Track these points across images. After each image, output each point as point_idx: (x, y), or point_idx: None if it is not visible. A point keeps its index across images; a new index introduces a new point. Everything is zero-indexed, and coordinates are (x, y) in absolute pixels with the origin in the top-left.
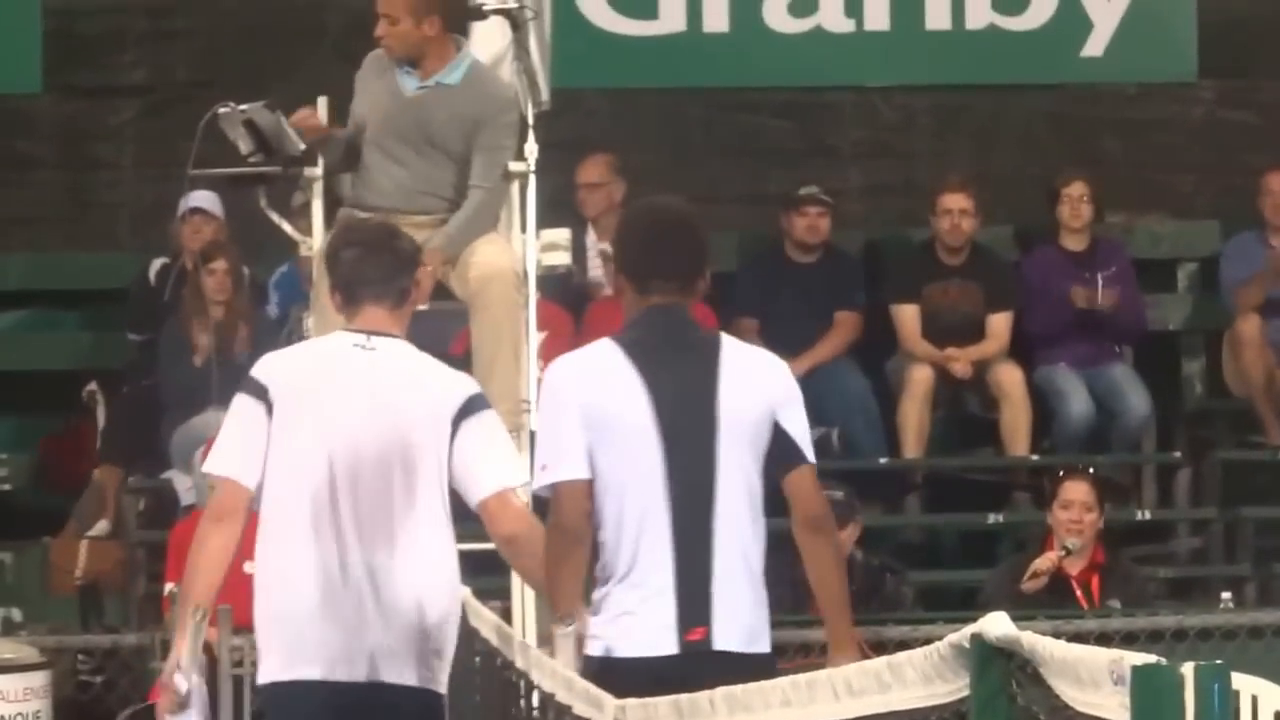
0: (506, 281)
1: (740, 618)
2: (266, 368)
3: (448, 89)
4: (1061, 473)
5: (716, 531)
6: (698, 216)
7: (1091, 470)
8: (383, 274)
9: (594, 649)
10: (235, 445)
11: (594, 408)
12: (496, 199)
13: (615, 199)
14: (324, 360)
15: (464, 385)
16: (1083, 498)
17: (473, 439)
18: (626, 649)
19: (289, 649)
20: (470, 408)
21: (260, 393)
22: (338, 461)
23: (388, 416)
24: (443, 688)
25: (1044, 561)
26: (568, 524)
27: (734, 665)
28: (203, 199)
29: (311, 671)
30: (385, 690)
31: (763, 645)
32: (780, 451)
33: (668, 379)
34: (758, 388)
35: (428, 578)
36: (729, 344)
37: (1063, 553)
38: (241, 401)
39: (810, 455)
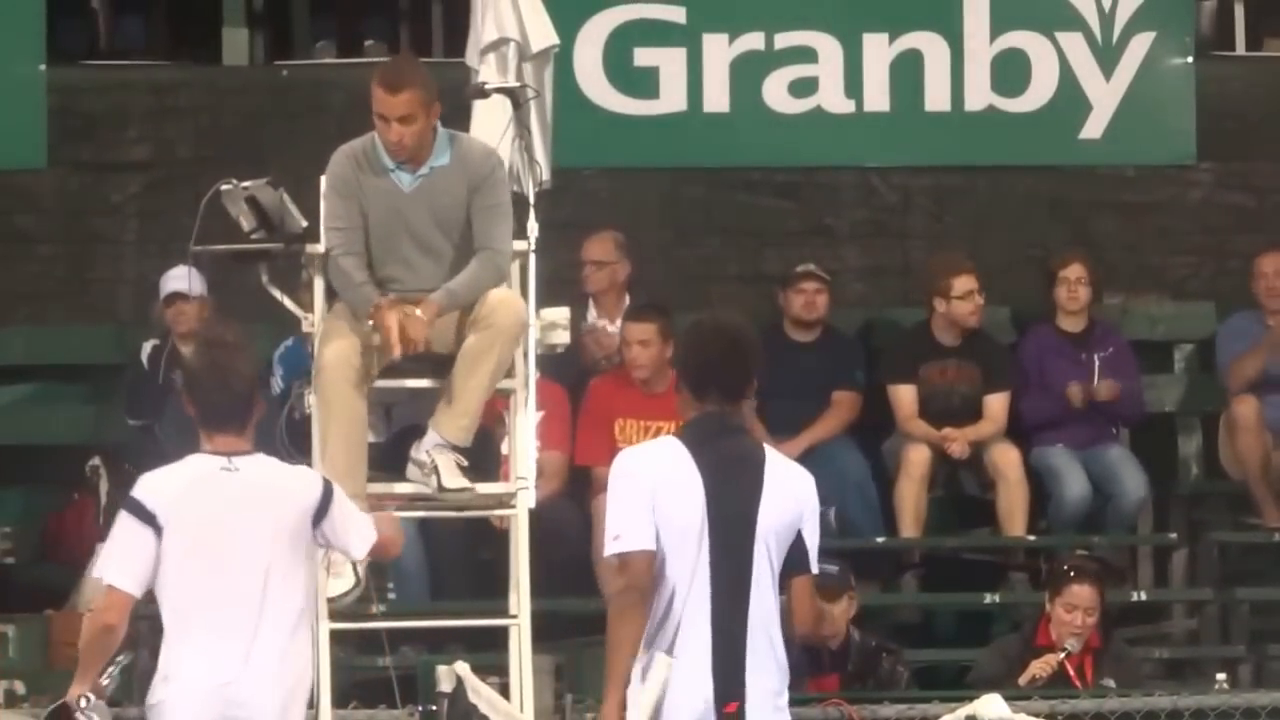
0: (517, 316)
1: (767, 693)
2: (149, 491)
3: (441, 170)
4: (1069, 570)
5: (750, 619)
6: (752, 332)
7: (1095, 569)
8: (230, 406)
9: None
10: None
11: (660, 494)
12: (501, 260)
13: (620, 278)
14: (198, 484)
15: (314, 482)
16: (1087, 603)
17: (335, 521)
18: (671, 715)
19: None
20: (325, 500)
21: (149, 518)
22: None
23: (254, 530)
24: None
25: (1044, 667)
26: (638, 584)
27: None
28: (184, 281)
29: None
30: None
31: (784, 714)
32: (794, 558)
33: (720, 481)
34: (792, 499)
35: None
36: (771, 456)
37: (1062, 654)
38: (128, 522)
39: (815, 566)
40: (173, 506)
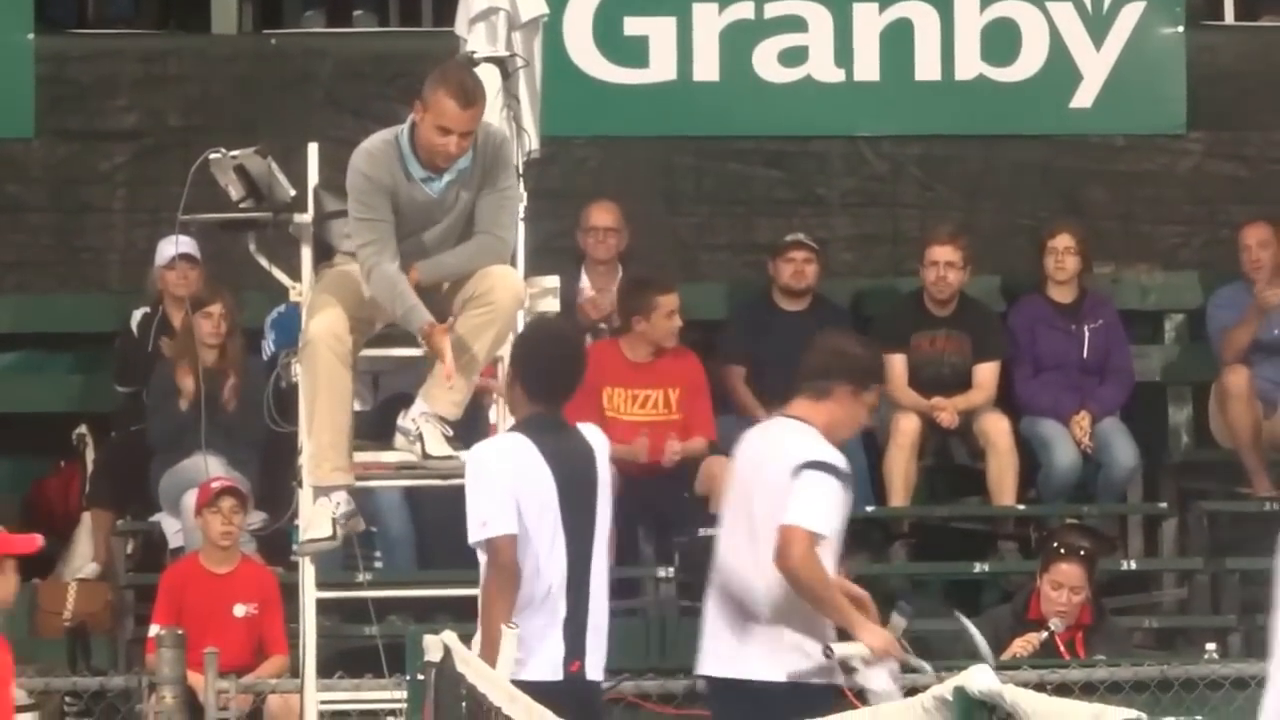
0: (516, 295)
1: (602, 652)
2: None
3: (464, 170)
4: (1058, 547)
5: (592, 587)
6: (582, 340)
7: (1084, 548)
8: None
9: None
10: None
11: (519, 480)
12: (502, 246)
13: (620, 246)
14: None
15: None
16: (1075, 582)
17: None
18: (528, 674)
19: None
20: None
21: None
22: None
23: None
24: None
25: (1025, 646)
26: (508, 565)
27: (598, 692)
28: (187, 245)
29: None
30: None
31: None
32: None
33: (564, 466)
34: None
35: None
36: (596, 439)
37: (1045, 634)
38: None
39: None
40: None
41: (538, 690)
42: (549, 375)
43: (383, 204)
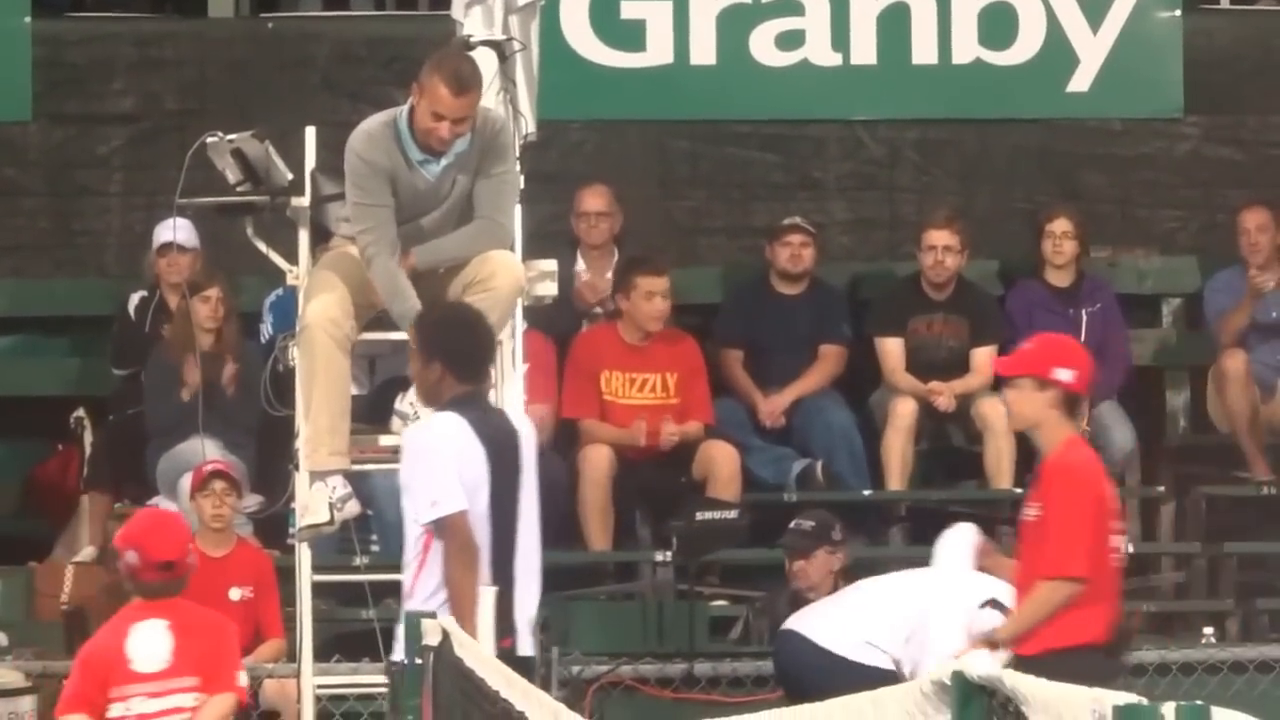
0: (517, 281)
1: (529, 623)
2: None
3: (462, 154)
4: None
5: (517, 562)
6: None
7: None
8: None
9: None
10: None
11: (460, 459)
12: (500, 231)
13: (615, 230)
14: None
15: None
16: None
17: None
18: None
19: None
20: None
21: None
22: None
23: None
24: None
25: None
26: (468, 541)
27: (528, 666)
28: (180, 231)
29: None
30: None
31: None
32: None
33: (494, 445)
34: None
35: None
36: (523, 423)
37: None
38: None
39: None
40: None
41: None
42: (475, 355)
43: (381, 188)
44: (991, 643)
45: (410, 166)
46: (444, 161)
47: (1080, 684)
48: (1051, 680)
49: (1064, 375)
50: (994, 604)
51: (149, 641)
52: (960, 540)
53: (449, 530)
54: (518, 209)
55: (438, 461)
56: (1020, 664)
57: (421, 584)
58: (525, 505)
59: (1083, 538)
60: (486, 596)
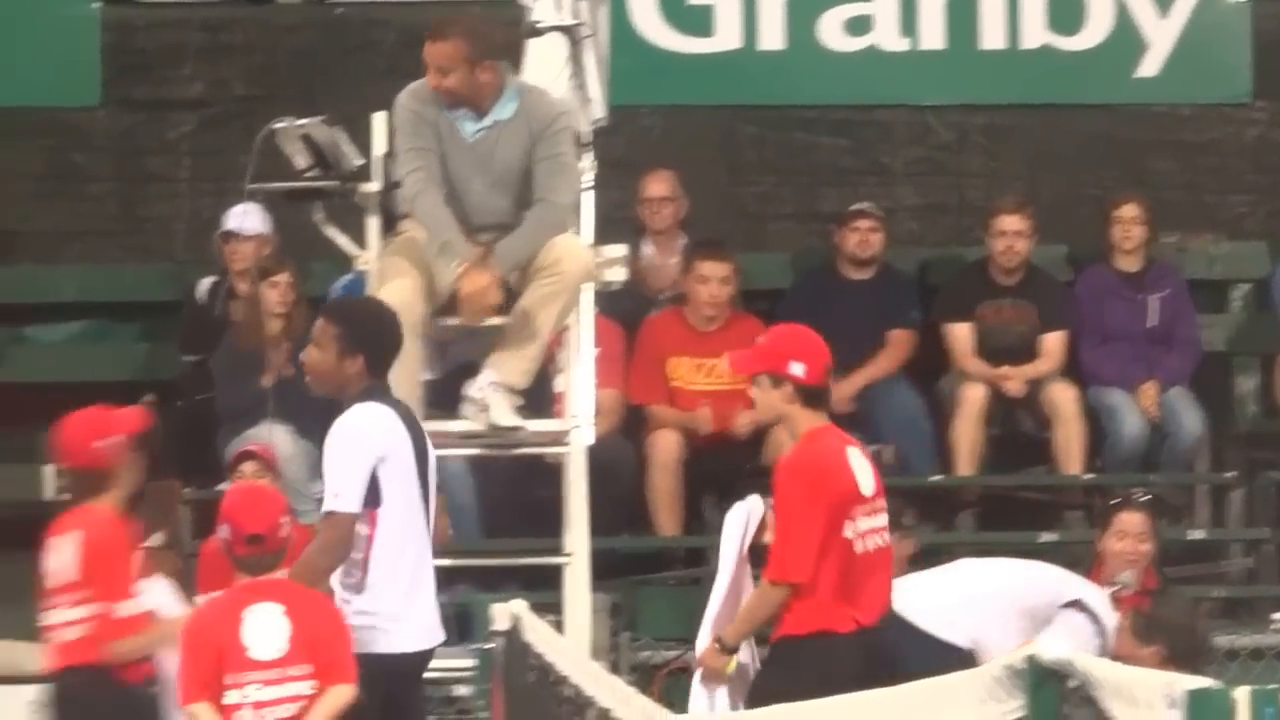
0: (583, 265)
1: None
2: None
3: (505, 124)
4: (1116, 502)
5: (430, 550)
6: None
7: (1145, 498)
8: None
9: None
10: None
11: (389, 453)
12: (559, 212)
13: (680, 215)
14: None
15: None
16: (1138, 528)
17: None
18: (405, 645)
19: None
20: None
21: None
22: None
23: None
24: None
25: None
26: (345, 543)
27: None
28: (244, 219)
29: None
30: None
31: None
32: None
33: (414, 435)
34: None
35: None
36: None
37: (1115, 587)
38: None
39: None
40: None
41: (419, 660)
42: (394, 351)
43: (427, 134)
44: (721, 643)
45: (451, 121)
46: (482, 123)
47: (820, 673)
48: (792, 668)
49: (797, 369)
50: (1078, 605)
51: (265, 628)
52: (740, 514)
53: (335, 525)
54: (589, 195)
55: (357, 455)
56: (769, 650)
57: (373, 575)
58: (433, 498)
59: (806, 540)
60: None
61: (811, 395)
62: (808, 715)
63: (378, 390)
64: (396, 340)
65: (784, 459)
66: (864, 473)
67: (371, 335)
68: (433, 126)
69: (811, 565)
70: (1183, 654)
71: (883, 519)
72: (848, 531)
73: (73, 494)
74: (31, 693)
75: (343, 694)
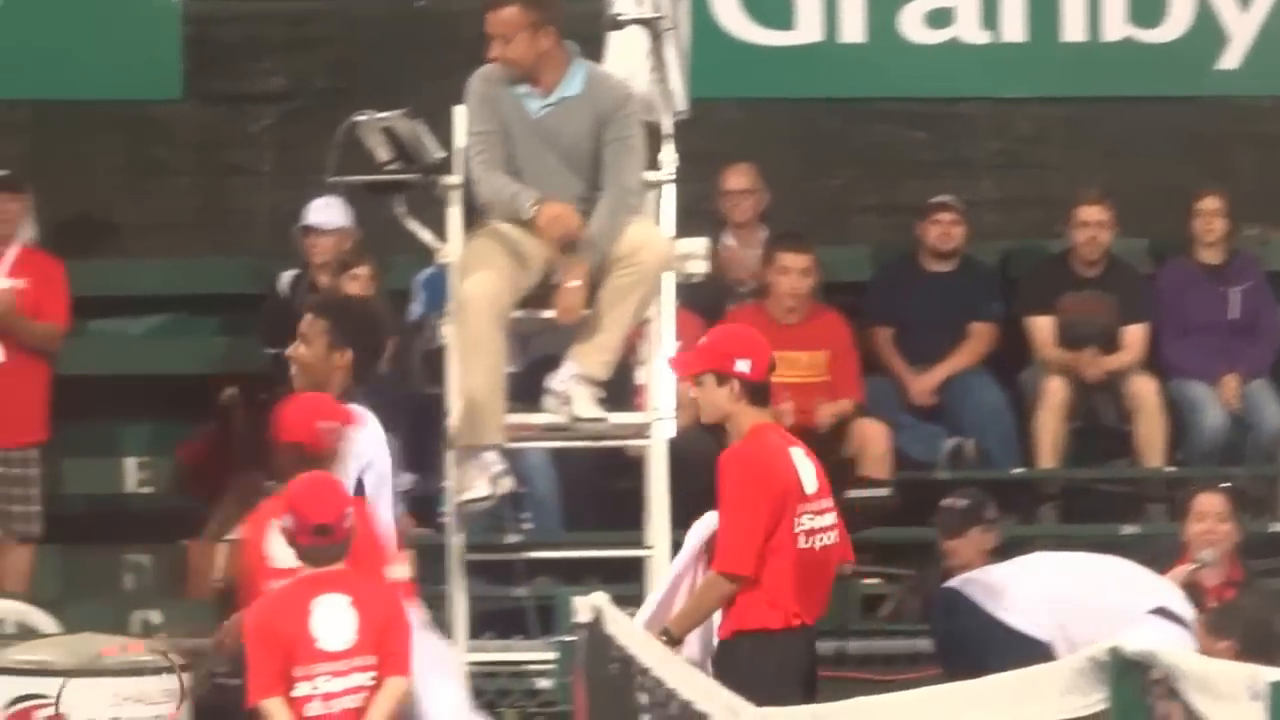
0: (661, 256)
1: None
2: None
3: (571, 101)
4: (1196, 488)
5: None
6: None
7: (1224, 485)
8: None
9: None
10: None
11: (373, 451)
12: (630, 197)
13: (760, 207)
14: None
15: None
16: (1216, 509)
17: None
18: None
19: None
20: None
21: None
22: None
23: None
24: None
25: (1178, 574)
26: None
27: None
28: (323, 212)
29: None
30: None
31: None
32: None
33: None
34: None
35: None
36: None
37: (1197, 565)
38: None
39: None
40: None
41: None
42: (380, 354)
43: (490, 115)
44: (666, 634)
45: (516, 98)
46: (548, 99)
47: (762, 668)
48: (741, 662)
49: (742, 366)
50: (1163, 612)
51: (334, 619)
52: (702, 530)
53: None
54: (669, 188)
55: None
56: (718, 648)
57: None
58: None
59: (750, 533)
60: None
61: (757, 392)
62: (892, 707)
63: (355, 394)
64: (382, 345)
65: (727, 452)
66: (807, 471)
67: (360, 331)
68: (499, 106)
69: (755, 557)
70: (1256, 650)
71: (832, 518)
72: (796, 529)
73: (280, 472)
74: (113, 685)
75: (400, 685)
